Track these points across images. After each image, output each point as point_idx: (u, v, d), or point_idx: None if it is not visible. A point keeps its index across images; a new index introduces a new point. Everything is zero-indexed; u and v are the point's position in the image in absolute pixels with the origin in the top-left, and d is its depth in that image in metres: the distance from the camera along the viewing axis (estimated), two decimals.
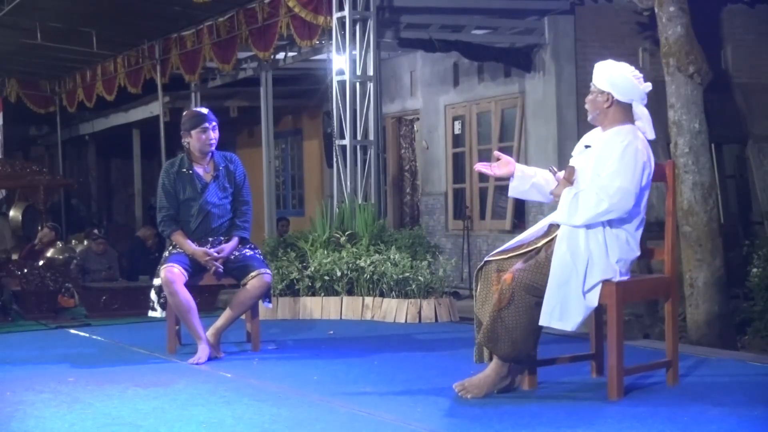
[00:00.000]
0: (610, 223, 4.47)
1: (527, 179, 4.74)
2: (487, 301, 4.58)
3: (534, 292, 4.43)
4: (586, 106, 4.68)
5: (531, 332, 4.49)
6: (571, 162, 4.71)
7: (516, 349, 4.46)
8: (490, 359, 4.61)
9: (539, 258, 4.51)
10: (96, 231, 11.86)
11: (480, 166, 4.82)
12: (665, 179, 4.74)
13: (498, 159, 4.80)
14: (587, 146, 4.64)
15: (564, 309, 4.41)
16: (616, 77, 4.58)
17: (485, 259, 4.72)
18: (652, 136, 4.62)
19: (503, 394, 4.61)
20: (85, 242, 11.46)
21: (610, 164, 4.44)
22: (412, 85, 13.43)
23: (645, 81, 4.64)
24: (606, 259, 4.45)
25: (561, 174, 4.61)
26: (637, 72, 4.63)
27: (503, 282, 4.46)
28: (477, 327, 4.68)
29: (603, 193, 4.40)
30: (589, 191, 4.43)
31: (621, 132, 4.53)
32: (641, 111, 4.62)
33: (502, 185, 10.95)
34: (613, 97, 4.56)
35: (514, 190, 4.80)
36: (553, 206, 4.69)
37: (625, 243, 4.51)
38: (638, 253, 4.59)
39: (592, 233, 4.46)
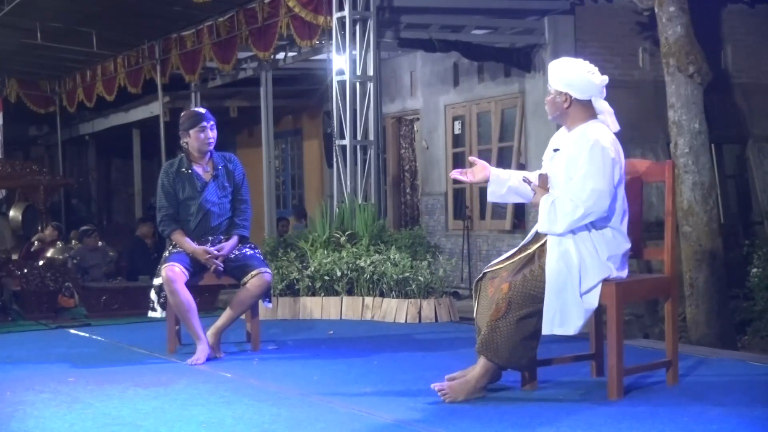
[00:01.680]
0: (593, 224, 4.47)
1: (503, 183, 4.72)
2: (484, 310, 4.57)
3: (531, 299, 4.42)
4: (546, 108, 4.67)
5: (531, 340, 4.49)
6: (543, 166, 4.70)
7: (515, 356, 4.46)
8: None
9: (533, 267, 4.50)
10: (87, 227, 11.81)
11: (455, 173, 4.80)
12: (665, 179, 4.74)
13: (473, 164, 4.77)
14: (556, 150, 4.62)
15: (564, 315, 4.41)
16: (571, 76, 4.56)
17: (483, 270, 4.72)
18: (616, 128, 4.60)
19: (503, 394, 4.62)
20: (84, 241, 11.45)
21: (580, 166, 4.43)
22: (412, 85, 13.43)
23: (602, 74, 4.61)
24: (598, 259, 4.45)
25: (536, 182, 4.61)
26: (591, 67, 4.61)
27: (499, 291, 4.46)
28: (478, 334, 4.70)
29: (577, 199, 4.39)
30: (564, 198, 4.43)
31: (586, 132, 4.50)
32: (601, 105, 4.61)
33: None
34: (571, 97, 4.55)
35: (493, 195, 4.78)
36: None
37: (612, 239, 4.51)
38: (629, 245, 4.58)
39: (579, 237, 4.46)
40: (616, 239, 4.52)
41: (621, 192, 4.53)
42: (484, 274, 4.68)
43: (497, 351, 4.44)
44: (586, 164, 4.41)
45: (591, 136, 4.46)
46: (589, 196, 4.38)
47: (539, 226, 4.54)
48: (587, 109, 4.57)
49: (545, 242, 4.54)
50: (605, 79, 4.61)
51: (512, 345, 4.43)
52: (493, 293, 4.50)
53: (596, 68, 4.62)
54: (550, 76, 4.62)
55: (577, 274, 4.41)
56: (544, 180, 4.60)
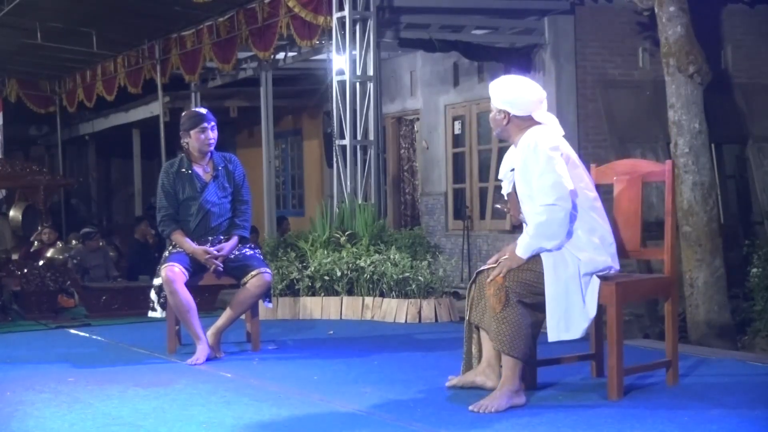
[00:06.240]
0: (571, 218, 4.45)
1: None
2: (486, 309, 4.54)
3: (529, 288, 4.42)
4: (490, 124, 4.78)
5: (534, 328, 4.47)
6: (504, 186, 4.80)
7: (528, 346, 4.42)
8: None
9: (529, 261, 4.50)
10: (89, 229, 11.81)
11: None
12: (665, 179, 4.74)
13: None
14: (512, 170, 4.68)
15: (568, 320, 4.41)
16: (508, 95, 4.62)
17: (479, 269, 4.71)
18: (562, 132, 4.65)
19: None
20: (87, 244, 11.44)
21: (536, 174, 4.44)
22: (412, 85, 13.43)
23: (540, 90, 4.67)
24: (593, 253, 4.44)
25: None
26: (530, 83, 4.68)
27: (495, 283, 4.44)
28: (467, 336, 4.69)
29: (544, 202, 4.39)
30: (531, 216, 4.47)
31: (526, 141, 4.52)
32: (543, 117, 4.63)
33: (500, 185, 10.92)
34: (509, 114, 4.61)
35: None
36: None
37: (596, 225, 4.51)
38: (607, 224, 4.58)
39: (569, 242, 4.46)
40: (596, 221, 4.51)
41: (579, 180, 4.53)
42: (479, 273, 4.66)
43: (512, 343, 4.37)
44: (534, 167, 4.45)
45: (530, 142, 4.50)
46: (551, 192, 4.39)
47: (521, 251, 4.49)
48: (526, 122, 4.60)
49: None
50: (543, 94, 4.65)
51: (522, 334, 4.37)
52: (492, 289, 4.47)
53: (536, 84, 4.70)
54: (491, 95, 4.70)
55: (576, 276, 4.41)
56: (513, 200, 4.68)
